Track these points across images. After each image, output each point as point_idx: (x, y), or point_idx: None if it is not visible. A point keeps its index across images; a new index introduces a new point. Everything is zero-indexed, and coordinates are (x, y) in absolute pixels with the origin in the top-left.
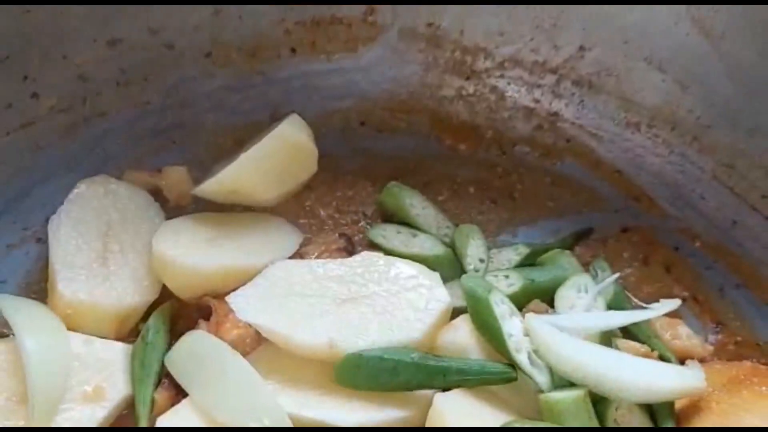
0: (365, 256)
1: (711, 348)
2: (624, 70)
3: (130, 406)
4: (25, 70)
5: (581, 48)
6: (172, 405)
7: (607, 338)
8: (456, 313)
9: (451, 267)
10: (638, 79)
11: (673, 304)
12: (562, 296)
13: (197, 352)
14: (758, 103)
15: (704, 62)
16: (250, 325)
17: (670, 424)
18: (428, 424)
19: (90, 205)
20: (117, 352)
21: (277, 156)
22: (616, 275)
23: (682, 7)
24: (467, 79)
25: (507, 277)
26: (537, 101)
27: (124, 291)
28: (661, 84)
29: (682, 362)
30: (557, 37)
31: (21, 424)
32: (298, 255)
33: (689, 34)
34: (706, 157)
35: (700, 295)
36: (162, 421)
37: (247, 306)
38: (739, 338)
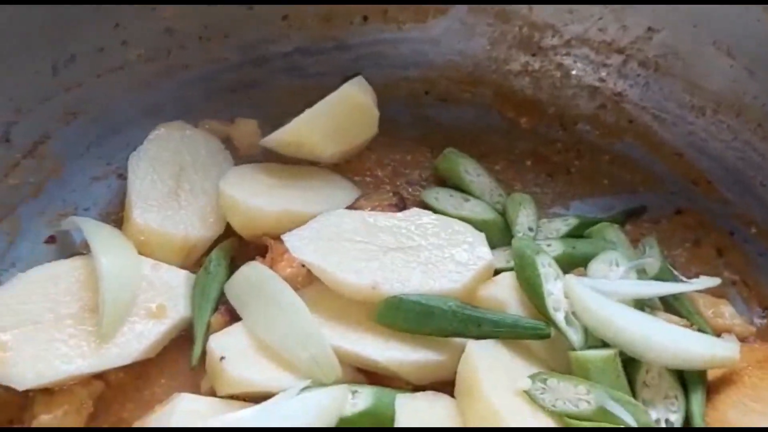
0: (414, 212)
1: (754, 329)
2: (692, 54)
3: (188, 327)
4: (116, 18)
5: (650, 29)
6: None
7: (640, 306)
8: (498, 274)
9: (499, 232)
10: (705, 64)
11: (712, 281)
12: (595, 268)
13: (253, 281)
14: None
15: None
16: (302, 266)
17: (699, 393)
18: (459, 370)
19: (167, 147)
20: (181, 277)
21: (340, 114)
22: (643, 261)
23: None
24: (533, 55)
25: (549, 245)
26: (602, 80)
27: (192, 224)
28: (729, 69)
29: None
30: (626, 17)
31: (90, 330)
32: (352, 208)
33: (760, 20)
34: None
35: (749, 279)
36: (214, 339)
37: (300, 245)
38: None
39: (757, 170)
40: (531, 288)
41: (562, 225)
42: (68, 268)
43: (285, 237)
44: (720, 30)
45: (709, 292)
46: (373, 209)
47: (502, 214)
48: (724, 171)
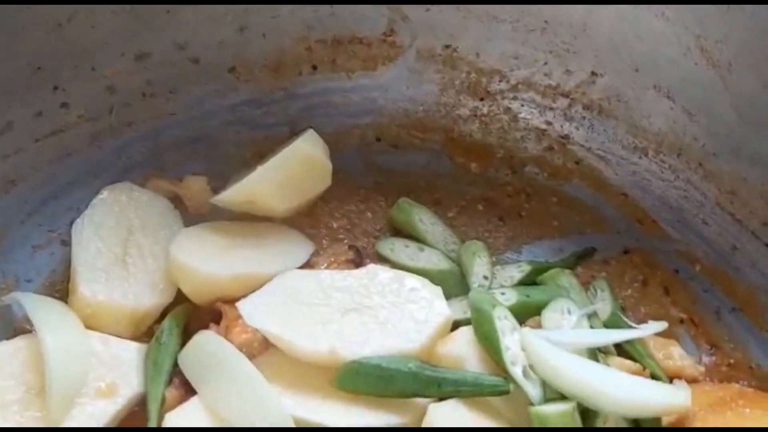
0: (371, 269)
1: (702, 369)
2: (633, 97)
3: (141, 402)
4: (55, 81)
5: (593, 74)
6: (181, 403)
7: (594, 355)
8: (457, 326)
9: (455, 282)
10: (647, 106)
11: (660, 325)
12: (548, 317)
13: (207, 352)
14: (762, 134)
15: (711, 92)
16: (257, 331)
17: None
18: None
19: (112, 211)
20: (132, 351)
21: (293, 169)
22: (594, 307)
23: (692, 38)
24: (482, 99)
25: (503, 293)
26: (549, 123)
27: (141, 293)
28: (669, 111)
29: (672, 382)
30: (570, 62)
31: (38, 415)
32: (308, 265)
33: (698, 64)
34: (709, 184)
35: (696, 317)
36: (170, 417)
37: (255, 312)
38: (732, 360)
39: (699, 208)
40: (488, 342)
41: (515, 272)
42: (11, 350)
43: (239, 304)
44: (660, 74)
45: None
46: (329, 266)
47: (457, 262)
48: (667, 210)
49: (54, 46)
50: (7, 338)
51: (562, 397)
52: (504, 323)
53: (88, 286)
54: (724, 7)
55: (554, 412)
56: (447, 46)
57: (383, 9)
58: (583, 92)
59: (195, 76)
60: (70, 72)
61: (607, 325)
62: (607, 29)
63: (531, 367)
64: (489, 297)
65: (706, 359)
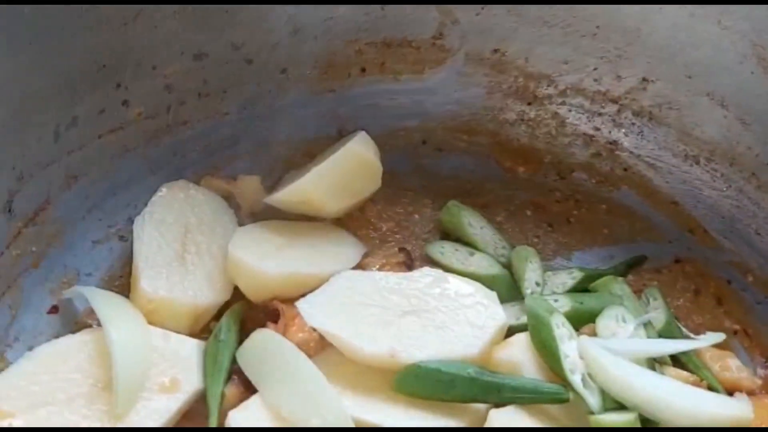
0: (425, 272)
1: (759, 382)
2: (686, 104)
3: (201, 399)
4: (118, 79)
5: (644, 80)
6: (241, 400)
7: (651, 365)
8: (511, 331)
9: (507, 287)
10: (699, 114)
11: (718, 336)
12: (603, 325)
13: (266, 351)
14: None
15: (766, 101)
16: (314, 330)
17: None
18: None
19: (171, 208)
20: (192, 347)
21: (345, 172)
22: (649, 316)
23: (749, 46)
24: (529, 104)
25: (556, 300)
26: (597, 129)
27: (200, 290)
28: (723, 120)
29: (730, 394)
30: (621, 68)
31: (104, 409)
32: (359, 266)
33: (754, 72)
34: (763, 194)
35: (750, 328)
36: (233, 415)
37: (313, 311)
38: None
39: (752, 219)
40: (547, 350)
41: (567, 278)
42: (77, 344)
43: (298, 303)
44: (714, 81)
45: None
46: (381, 268)
47: (507, 267)
48: (719, 219)
49: (118, 44)
50: (72, 332)
51: (621, 407)
52: (562, 330)
53: (150, 282)
54: None
55: (617, 421)
56: (496, 50)
57: (434, 12)
58: (633, 98)
59: (248, 76)
60: (132, 70)
61: (662, 334)
62: (661, 36)
63: (590, 375)
64: (546, 304)
65: (761, 371)
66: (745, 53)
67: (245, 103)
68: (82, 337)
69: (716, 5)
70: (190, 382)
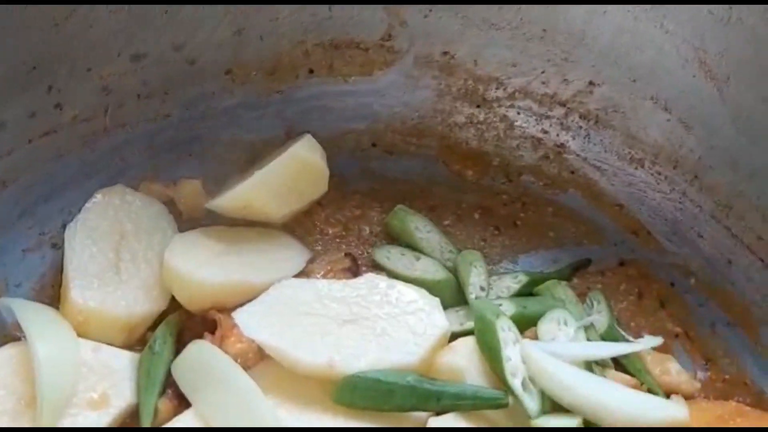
0: (368, 279)
1: (698, 385)
2: (630, 108)
3: (134, 414)
4: (50, 81)
5: (590, 83)
6: (175, 414)
7: (590, 367)
8: (455, 337)
9: (452, 292)
10: (644, 117)
11: (657, 340)
12: (544, 328)
13: (201, 363)
14: (758, 148)
15: (708, 105)
16: (253, 341)
17: None
18: None
19: (106, 215)
20: (124, 360)
21: (290, 175)
22: (590, 319)
23: (691, 51)
24: (478, 107)
25: (500, 304)
26: (545, 132)
27: (135, 300)
28: (666, 123)
29: (669, 397)
30: (568, 71)
31: (29, 426)
32: (303, 273)
33: (696, 76)
34: (705, 197)
35: (691, 331)
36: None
37: (251, 322)
38: (727, 376)
39: (694, 221)
40: (490, 353)
41: (512, 283)
42: (2, 359)
43: (235, 314)
44: (658, 85)
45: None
46: (325, 274)
47: (453, 271)
48: (662, 222)
49: (50, 45)
50: None
51: (562, 410)
52: (507, 334)
53: (81, 292)
54: (724, 20)
55: (557, 424)
56: (445, 53)
57: (382, 14)
58: (580, 102)
59: (191, 77)
60: (66, 72)
61: (604, 337)
62: (606, 39)
63: (531, 379)
64: (493, 307)
65: (701, 374)
66: (687, 57)
67: (188, 105)
68: (7, 352)
69: (660, 7)
70: (121, 397)
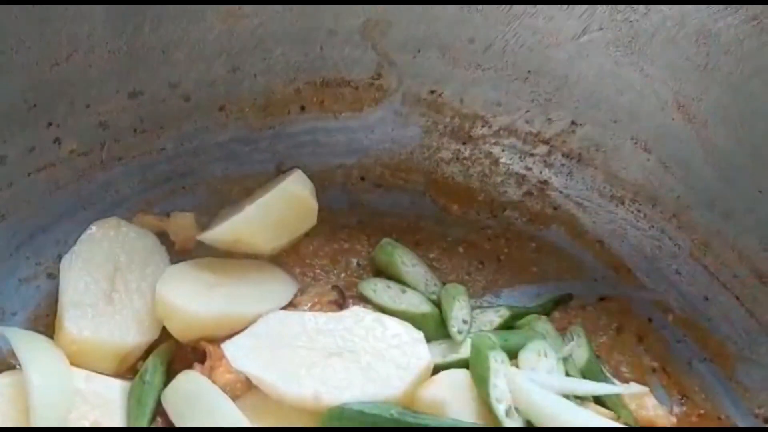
0: (354, 312)
1: (674, 420)
2: (612, 147)
3: None
4: (50, 117)
5: (573, 123)
6: None
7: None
8: (437, 370)
9: (436, 325)
10: (624, 157)
11: (641, 389)
12: (525, 358)
13: (190, 393)
14: (735, 189)
15: (687, 146)
16: (241, 372)
17: None
18: None
19: (101, 246)
20: (116, 388)
21: (280, 210)
22: (568, 349)
23: (670, 94)
24: (464, 143)
25: None
26: (528, 169)
27: (127, 330)
28: (646, 163)
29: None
30: (551, 111)
31: None
32: (291, 305)
33: (674, 119)
34: (683, 235)
35: (668, 366)
36: None
37: (239, 354)
38: (702, 411)
39: (672, 259)
40: (479, 379)
41: (494, 317)
42: None
43: (224, 346)
44: (638, 126)
45: (632, 380)
46: (312, 306)
47: (438, 304)
48: (642, 259)
49: (51, 84)
50: None
51: None
52: (499, 365)
53: (75, 322)
54: (701, 65)
55: None
56: (432, 92)
57: (371, 53)
58: (563, 140)
59: (186, 113)
60: (65, 109)
61: (584, 371)
62: (588, 82)
63: (516, 409)
64: (489, 341)
65: (677, 409)
66: (666, 100)
67: (182, 140)
68: (1, 380)
69: (640, 52)
70: (112, 425)
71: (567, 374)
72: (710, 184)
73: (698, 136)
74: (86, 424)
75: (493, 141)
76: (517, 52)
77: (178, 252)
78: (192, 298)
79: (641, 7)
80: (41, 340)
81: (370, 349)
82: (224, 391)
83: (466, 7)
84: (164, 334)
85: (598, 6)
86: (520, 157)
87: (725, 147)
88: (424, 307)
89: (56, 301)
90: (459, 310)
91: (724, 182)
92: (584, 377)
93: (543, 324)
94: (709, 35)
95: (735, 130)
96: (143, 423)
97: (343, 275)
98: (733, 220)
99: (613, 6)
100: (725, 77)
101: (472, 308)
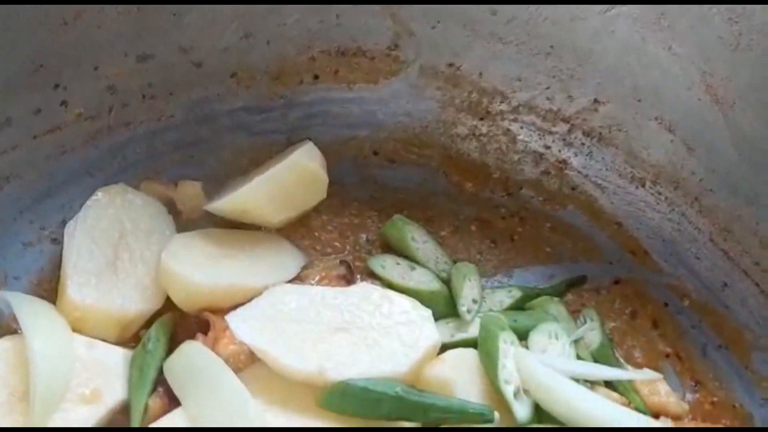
0: (362, 287)
1: (687, 407)
2: (634, 127)
3: (124, 410)
4: (56, 80)
5: (595, 101)
6: (165, 413)
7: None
8: (444, 349)
9: (445, 303)
10: (647, 137)
11: (655, 375)
12: (535, 340)
13: (193, 364)
14: (760, 173)
15: (712, 128)
16: (244, 343)
17: None
18: None
19: (106, 213)
20: (117, 356)
21: (289, 182)
22: (580, 333)
23: (697, 74)
24: (481, 119)
25: None
26: (547, 147)
27: (130, 298)
28: (669, 144)
29: (657, 417)
30: (573, 88)
31: (20, 420)
32: (298, 278)
33: (701, 99)
34: (704, 219)
35: (682, 352)
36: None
37: (244, 326)
38: (715, 399)
39: (692, 243)
40: (488, 359)
41: (505, 297)
42: None
43: (228, 317)
44: (662, 106)
45: (645, 365)
46: (320, 281)
47: (448, 283)
48: (660, 242)
49: (58, 44)
50: None
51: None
52: (508, 347)
53: (78, 289)
54: (733, 45)
55: None
56: (450, 64)
57: (389, 23)
58: (584, 119)
59: (196, 79)
60: (72, 71)
61: (595, 355)
62: (612, 58)
63: (524, 390)
64: (500, 321)
65: (689, 396)
66: (693, 80)
67: (192, 106)
68: (2, 344)
69: (668, 29)
70: (113, 393)
71: (578, 358)
72: (734, 168)
73: (725, 118)
74: (86, 392)
75: (511, 117)
76: (541, 25)
77: (185, 221)
78: (197, 268)
79: None
80: (43, 305)
81: (376, 326)
82: (227, 362)
83: None
84: (168, 304)
85: None
86: (539, 135)
87: (752, 130)
88: (434, 285)
89: (60, 266)
90: (469, 289)
91: (749, 166)
92: (596, 361)
93: (555, 306)
94: (742, 14)
95: (764, 113)
96: (144, 392)
97: (352, 250)
98: (756, 205)
99: None
100: (758, 58)
101: (483, 288)
